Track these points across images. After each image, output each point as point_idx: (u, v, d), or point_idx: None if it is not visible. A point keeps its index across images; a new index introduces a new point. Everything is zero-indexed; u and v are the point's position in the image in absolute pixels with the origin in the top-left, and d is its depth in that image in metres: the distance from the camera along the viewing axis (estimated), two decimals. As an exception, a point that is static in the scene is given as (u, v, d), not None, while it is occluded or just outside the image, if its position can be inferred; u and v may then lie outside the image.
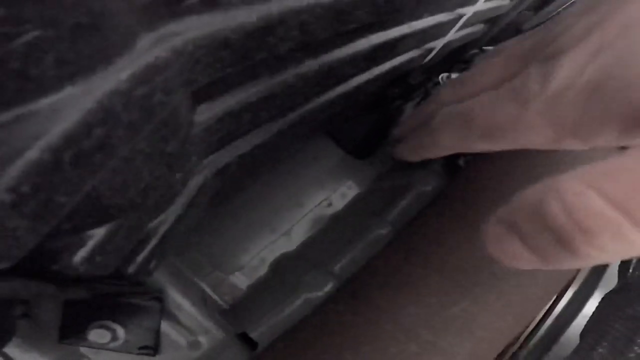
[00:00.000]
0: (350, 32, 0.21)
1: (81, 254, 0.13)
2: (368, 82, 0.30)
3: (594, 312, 0.33)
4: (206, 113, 0.16)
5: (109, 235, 0.13)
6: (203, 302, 0.30)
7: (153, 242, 0.18)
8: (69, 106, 0.08)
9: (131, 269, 0.18)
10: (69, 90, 0.08)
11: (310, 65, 0.20)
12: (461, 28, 0.35)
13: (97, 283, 0.16)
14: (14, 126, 0.08)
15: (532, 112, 0.15)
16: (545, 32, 0.17)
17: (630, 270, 0.35)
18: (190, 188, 0.20)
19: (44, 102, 0.08)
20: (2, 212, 0.08)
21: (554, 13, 0.57)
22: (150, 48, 0.11)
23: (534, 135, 0.16)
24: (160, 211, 0.17)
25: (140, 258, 0.18)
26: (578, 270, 0.42)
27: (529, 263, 0.14)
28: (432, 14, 0.28)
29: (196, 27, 0.12)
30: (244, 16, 0.14)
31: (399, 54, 0.30)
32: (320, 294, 0.31)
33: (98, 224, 0.12)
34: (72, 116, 0.08)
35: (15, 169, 0.08)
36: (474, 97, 0.19)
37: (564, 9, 0.57)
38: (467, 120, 0.19)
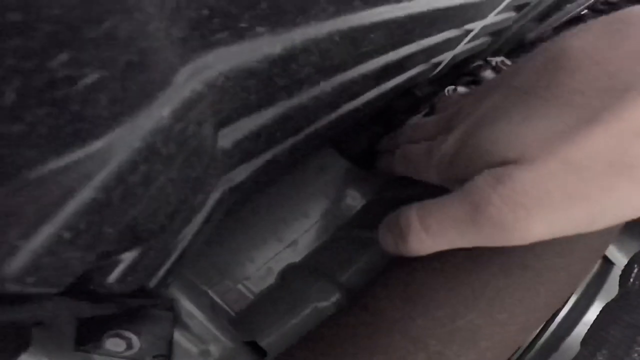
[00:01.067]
0: (364, 54, 0.22)
1: (115, 275, 0.13)
2: (377, 98, 0.30)
3: (594, 321, 0.34)
4: (227, 137, 0.17)
5: (139, 256, 0.13)
6: (213, 311, 0.30)
7: (173, 257, 0.19)
8: (118, 146, 0.09)
9: (153, 283, 0.19)
10: (119, 130, 0.09)
11: (325, 86, 0.21)
12: (469, 41, 0.36)
13: (124, 298, 0.16)
14: (71, 168, 0.08)
15: (432, 166, 0.24)
16: (459, 106, 0.25)
17: (631, 280, 0.36)
18: (208, 205, 0.20)
19: (99, 144, 0.09)
20: (61, 248, 0.08)
21: (557, 24, 0.58)
22: (187, 81, 0.11)
23: (432, 179, 0.25)
24: (182, 230, 0.17)
25: (161, 272, 0.19)
26: (577, 284, 0.42)
27: (392, 249, 0.24)
28: (440, 31, 0.29)
29: (226, 58, 0.13)
30: (269, 46, 0.14)
31: (407, 70, 0.31)
32: (327, 303, 0.32)
33: (131, 247, 0.13)
34: (121, 156, 0.09)
35: (71, 209, 0.08)
36: (415, 143, 0.27)
37: (567, 19, 0.57)
38: (407, 159, 0.28)
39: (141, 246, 0.13)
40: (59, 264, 0.09)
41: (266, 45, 0.14)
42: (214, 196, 0.21)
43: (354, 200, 0.40)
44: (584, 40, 0.17)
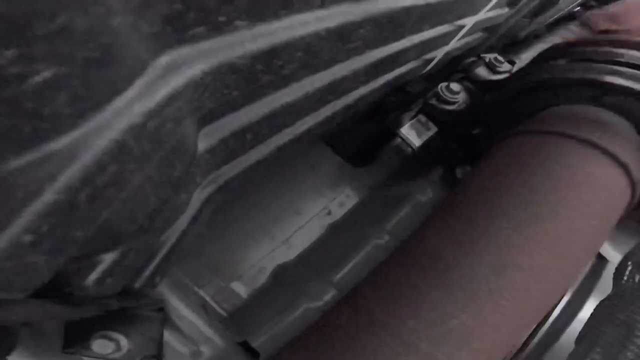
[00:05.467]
0: (353, 49, 0.22)
1: (92, 277, 0.13)
2: (368, 94, 0.30)
3: (588, 318, 0.34)
4: (211, 135, 0.16)
5: (119, 258, 0.13)
6: (204, 311, 0.30)
7: (159, 257, 0.19)
8: (84, 145, 0.09)
9: (138, 284, 0.18)
10: (83, 128, 0.09)
11: (312, 82, 0.20)
12: (461, 37, 0.35)
13: (105, 300, 0.16)
14: (30, 169, 0.08)
15: None
16: None
17: (625, 278, 0.36)
18: (194, 205, 0.20)
19: (60, 143, 0.08)
20: (22, 251, 0.08)
21: (549, 20, 0.58)
22: (161, 78, 0.11)
23: None
24: (166, 230, 0.17)
25: (146, 273, 0.18)
26: (571, 284, 0.42)
27: None
28: (432, 26, 0.29)
29: (204, 54, 0.12)
30: (250, 41, 0.14)
31: (399, 66, 0.31)
32: (320, 303, 0.32)
33: (109, 249, 0.12)
34: (87, 155, 0.09)
35: (32, 211, 0.08)
36: None
37: (559, 16, 0.57)
38: None
39: (120, 248, 0.13)
40: (23, 268, 0.08)
41: (247, 40, 0.14)
42: (201, 196, 0.21)
43: (347, 197, 0.40)
44: None
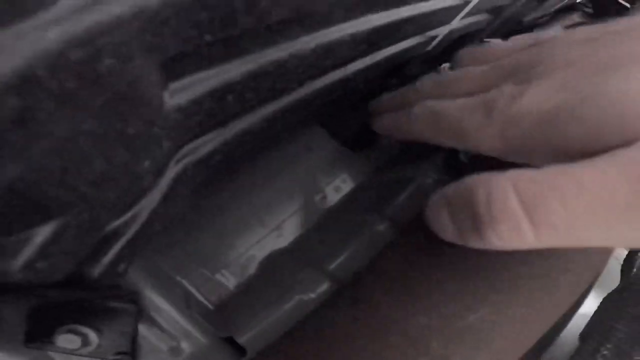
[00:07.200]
0: (350, 7, 0.19)
1: (20, 259, 0.10)
2: (367, 69, 0.27)
3: (595, 313, 0.32)
4: (181, 91, 0.14)
5: (53, 236, 0.10)
6: (185, 303, 0.28)
7: (122, 241, 0.16)
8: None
9: (96, 272, 0.16)
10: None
11: (305, 42, 0.18)
12: (466, 16, 0.33)
13: (50, 289, 0.13)
14: None
15: (493, 126, 0.17)
16: (533, 54, 0.19)
17: (635, 269, 0.34)
18: (167, 179, 0.17)
19: None
20: None
21: (559, 4, 0.55)
22: (94, 2, 0.08)
23: (487, 145, 0.18)
24: (126, 206, 0.14)
25: (106, 259, 0.16)
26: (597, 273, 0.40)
27: (451, 237, 0.17)
28: (438, -7, 0.26)
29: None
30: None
31: (401, 39, 0.28)
32: (313, 295, 0.29)
33: (35, 222, 0.10)
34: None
35: None
36: (451, 98, 0.21)
37: (567, 3, 0.55)
38: (441, 119, 0.20)
39: (54, 222, 0.10)
40: None
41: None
42: (176, 169, 0.18)
43: (344, 182, 0.37)
44: None
